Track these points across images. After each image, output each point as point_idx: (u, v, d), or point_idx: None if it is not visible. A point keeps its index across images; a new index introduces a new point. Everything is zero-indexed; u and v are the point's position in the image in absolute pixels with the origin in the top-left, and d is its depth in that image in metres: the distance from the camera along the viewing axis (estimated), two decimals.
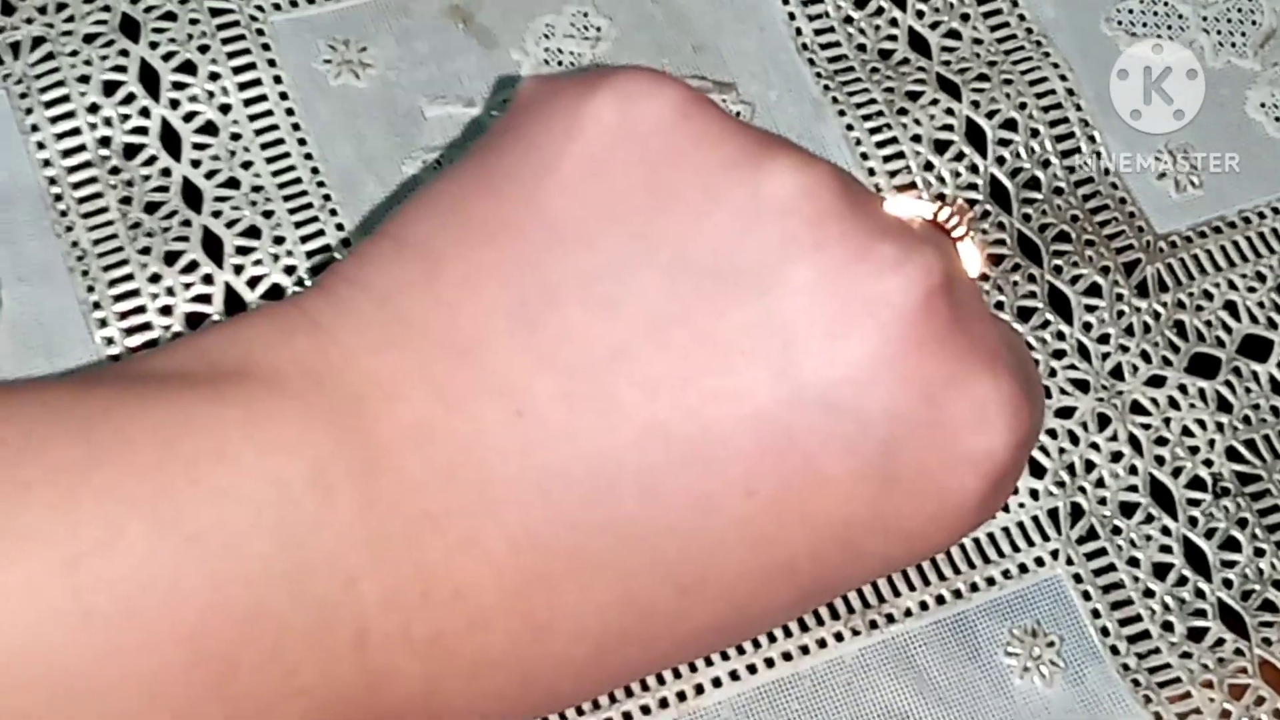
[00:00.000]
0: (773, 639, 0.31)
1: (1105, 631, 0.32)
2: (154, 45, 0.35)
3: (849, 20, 0.38)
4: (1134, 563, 0.33)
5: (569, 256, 0.25)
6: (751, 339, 0.24)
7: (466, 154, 0.27)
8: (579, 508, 0.24)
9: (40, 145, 0.34)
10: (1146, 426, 0.34)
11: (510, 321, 0.24)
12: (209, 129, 0.35)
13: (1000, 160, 0.37)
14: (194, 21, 0.35)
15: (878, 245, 0.25)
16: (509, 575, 0.24)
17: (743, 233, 0.25)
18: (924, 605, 0.32)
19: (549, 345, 0.24)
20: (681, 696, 0.31)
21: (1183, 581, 0.33)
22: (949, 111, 0.37)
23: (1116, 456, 0.34)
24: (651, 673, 0.29)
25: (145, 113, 0.34)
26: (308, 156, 0.35)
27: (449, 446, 0.24)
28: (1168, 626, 0.33)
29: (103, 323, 0.32)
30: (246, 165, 0.34)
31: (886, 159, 0.36)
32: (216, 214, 0.34)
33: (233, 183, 0.34)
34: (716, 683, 0.31)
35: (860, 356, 0.24)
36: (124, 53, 0.35)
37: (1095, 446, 0.34)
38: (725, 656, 0.31)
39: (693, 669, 0.31)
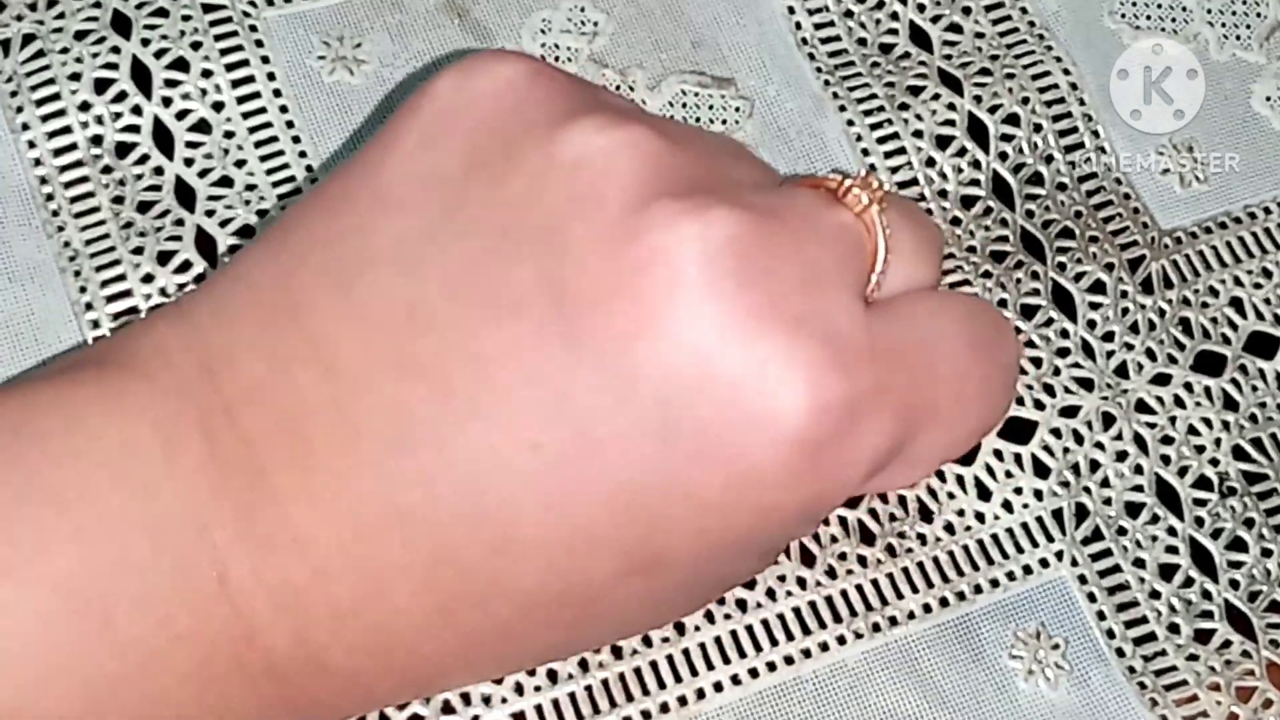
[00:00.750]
0: (774, 642, 0.31)
1: (1111, 634, 0.32)
2: (146, 42, 0.35)
3: (849, 14, 0.38)
4: (1139, 564, 0.33)
5: (388, 222, 0.26)
6: (530, 295, 0.25)
7: None
8: (383, 458, 0.25)
9: (31, 144, 0.33)
10: (1152, 425, 0.34)
11: (329, 284, 0.26)
12: (202, 127, 0.34)
13: (1003, 156, 0.36)
14: (186, 18, 0.35)
15: (657, 201, 0.25)
16: (337, 524, 0.25)
17: (535, 194, 0.26)
18: (927, 608, 0.32)
19: (358, 305, 0.25)
20: (683, 701, 0.31)
21: (1189, 583, 0.33)
22: (951, 106, 0.37)
23: (1121, 456, 0.34)
24: (519, 645, 0.28)
25: (137, 110, 0.34)
26: (302, 154, 0.34)
27: (275, 405, 0.25)
28: (1174, 628, 0.32)
29: (95, 324, 0.32)
30: (240, 164, 0.34)
31: (888, 155, 0.36)
32: (210, 213, 0.33)
33: (226, 181, 0.34)
34: (718, 687, 0.31)
35: (629, 313, 0.25)
36: (115, 50, 0.34)
37: (1100, 446, 0.34)
38: (726, 660, 0.31)
39: (694, 673, 0.31)
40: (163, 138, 0.34)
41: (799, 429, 0.25)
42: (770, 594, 0.31)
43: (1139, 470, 0.33)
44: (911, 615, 0.32)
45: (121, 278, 0.32)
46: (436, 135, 0.27)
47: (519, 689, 0.30)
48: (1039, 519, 0.33)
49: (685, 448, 0.25)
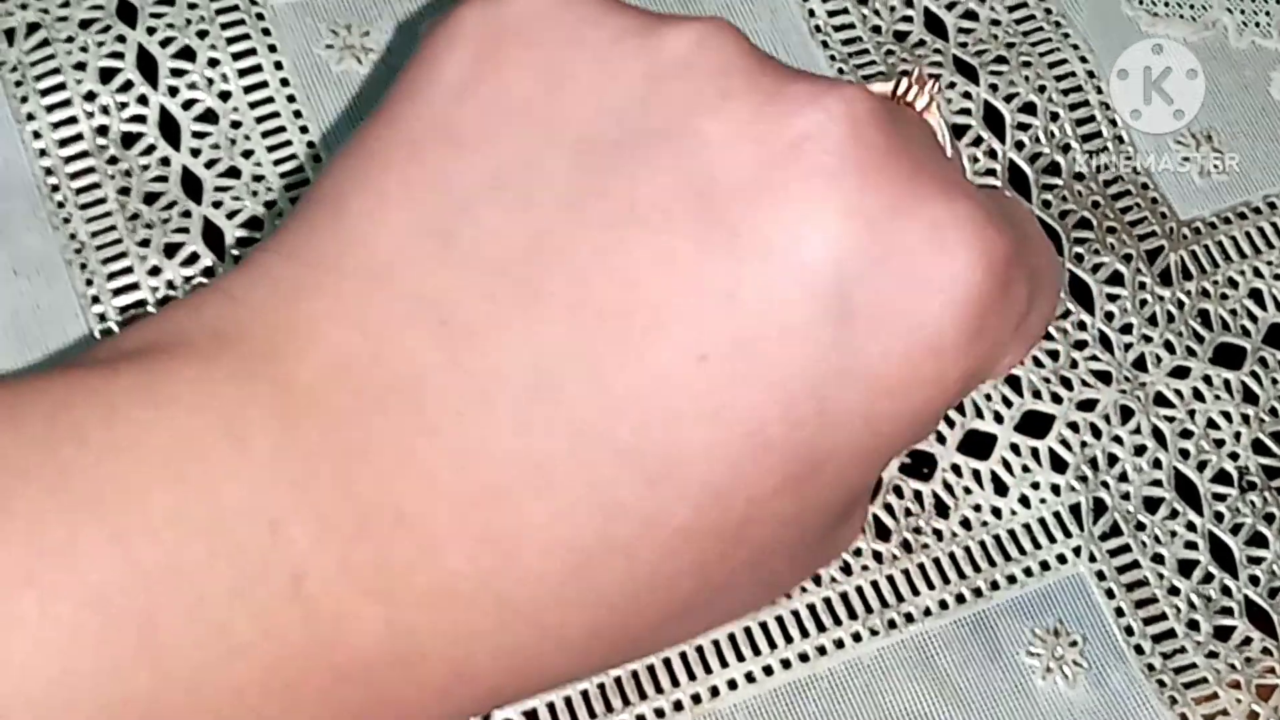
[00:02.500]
0: (789, 639, 0.31)
1: (1129, 630, 0.32)
2: (151, 31, 0.34)
3: (863, 1, 0.37)
4: (1158, 559, 0.32)
5: (471, 160, 0.24)
6: (673, 200, 0.23)
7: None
8: (520, 407, 0.23)
9: (36, 135, 0.33)
10: (1170, 419, 0.34)
11: (422, 238, 0.24)
12: (209, 117, 0.34)
13: (1019, 145, 0.36)
14: (192, 6, 0.34)
15: (788, 86, 0.24)
16: (455, 492, 0.23)
17: (646, 99, 0.24)
18: (943, 604, 0.31)
19: (465, 251, 0.24)
20: (696, 699, 0.30)
21: (1208, 578, 0.32)
22: (966, 95, 0.36)
23: (1140, 450, 0.33)
24: (653, 601, 0.25)
25: (143, 100, 0.34)
26: (310, 145, 0.34)
27: (376, 375, 0.23)
28: (1193, 625, 0.32)
29: (102, 317, 0.32)
30: (247, 154, 0.33)
31: None
32: (217, 204, 0.33)
33: (233, 172, 0.33)
34: (732, 685, 0.30)
35: (790, 198, 0.23)
36: (121, 39, 0.34)
37: (1118, 440, 0.33)
38: (740, 657, 0.31)
39: (707, 670, 0.30)
40: (169, 128, 0.34)
41: (977, 285, 0.24)
42: None
43: (1157, 465, 0.33)
44: (927, 612, 0.31)
45: (128, 270, 0.32)
46: (492, 61, 0.25)
47: None
48: (1056, 514, 0.33)
49: (864, 325, 0.24)
